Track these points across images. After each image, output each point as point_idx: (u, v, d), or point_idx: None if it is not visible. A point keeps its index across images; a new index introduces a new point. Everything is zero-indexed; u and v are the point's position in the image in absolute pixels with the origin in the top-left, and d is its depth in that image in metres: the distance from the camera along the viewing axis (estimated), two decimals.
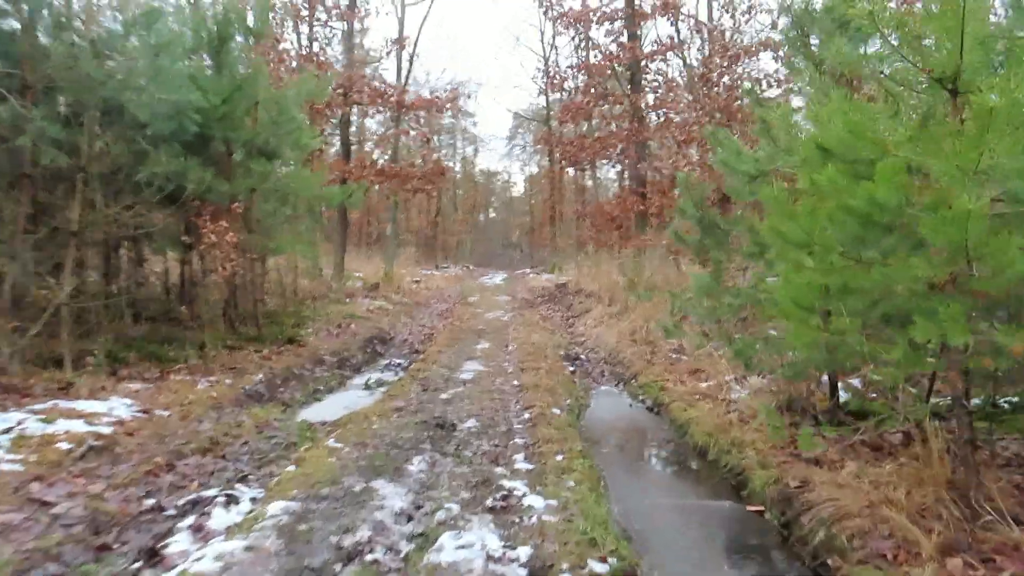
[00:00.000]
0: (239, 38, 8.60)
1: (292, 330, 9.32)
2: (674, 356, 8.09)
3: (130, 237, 7.66)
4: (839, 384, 5.11)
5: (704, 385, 6.54)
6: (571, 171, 27.50)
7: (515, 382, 6.98)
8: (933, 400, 4.84)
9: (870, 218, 2.85)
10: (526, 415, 5.58)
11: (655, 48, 16.32)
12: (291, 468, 4.18)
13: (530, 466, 4.21)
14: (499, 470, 4.13)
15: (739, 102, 11.60)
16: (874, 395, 5.57)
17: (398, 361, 8.91)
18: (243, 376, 6.69)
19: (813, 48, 4.98)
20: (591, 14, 17.26)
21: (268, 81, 9.42)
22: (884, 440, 4.53)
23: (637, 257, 13.27)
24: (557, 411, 5.74)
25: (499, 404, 6.01)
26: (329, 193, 10.46)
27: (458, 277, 26.62)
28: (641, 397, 6.77)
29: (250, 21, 8.81)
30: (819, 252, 2.84)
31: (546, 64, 25.65)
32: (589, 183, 28.47)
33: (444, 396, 6.30)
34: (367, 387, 7.33)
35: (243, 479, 4.07)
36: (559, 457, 4.32)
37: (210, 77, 7.96)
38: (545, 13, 19.40)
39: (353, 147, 23.29)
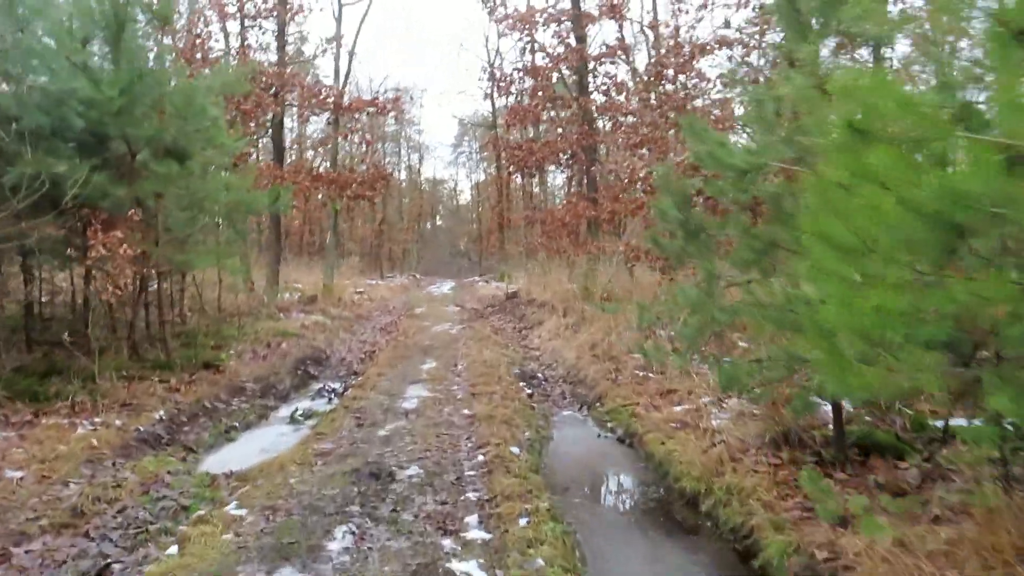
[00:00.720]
0: (141, 23, 7.50)
1: (210, 353, 8.18)
2: (640, 374, 7.34)
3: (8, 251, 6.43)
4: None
5: (679, 409, 5.78)
6: (519, 178, 26.75)
7: (466, 411, 6.09)
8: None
9: (943, 217, 2.11)
10: (480, 456, 4.70)
11: (603, 51, 15.74)
12: (172, 550, 3.19)
13: (486, 535, 3.33)
14: (447, 543, 3.24)
15: (698, 101, 11.07)
16: (868, 418, 4.95)
17: (332, 386, 7.90)
18: (140, 415, 5.58)
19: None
20: (536, 15, 16.65)
21: (184, 72, 8.33)
22: (901, 480, 3.84)
23: (591, 265, 12.57)
24: (516, 450, 4.88)
25: (448, 442, 5.11)
26: (254, 198, 9.36)
27: (404, 287, 25.52)
28: (610, 425, 5.97)
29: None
30: (881, 262, 2.08)
31: (492, 67, 24.83)
32: (537, 190, 27.82)
33: (382, 433, 5.37)
34: (292, 420, 6.31)
35: (103, 571, 3.06)
36: (523, 521, 3.44)
37: (104, 65, 6.82)
38: (490, 14, 18.65)
39: (292, 154, 22.03)
